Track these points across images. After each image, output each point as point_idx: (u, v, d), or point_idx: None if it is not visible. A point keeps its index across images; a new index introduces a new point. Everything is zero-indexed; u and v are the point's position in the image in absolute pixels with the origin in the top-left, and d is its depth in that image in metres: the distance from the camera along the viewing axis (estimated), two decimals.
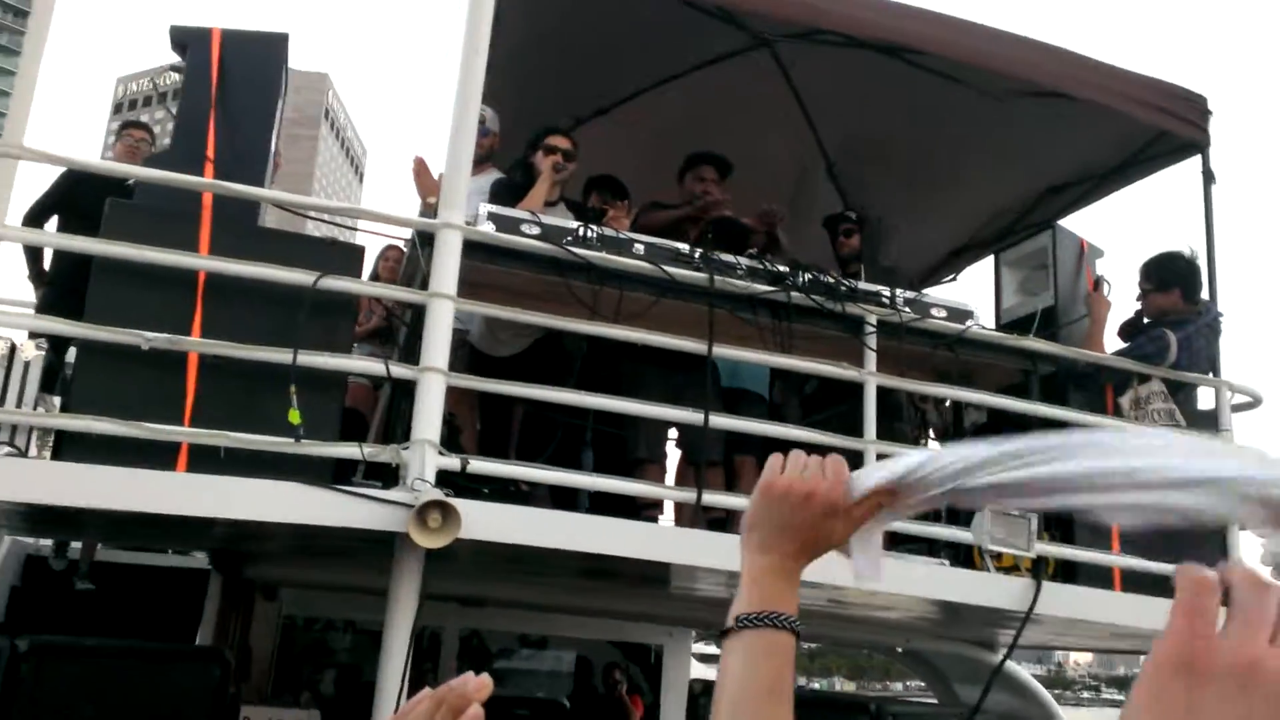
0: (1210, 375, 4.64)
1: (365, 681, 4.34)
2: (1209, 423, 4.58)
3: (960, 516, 4.45)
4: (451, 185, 3.61)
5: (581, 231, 3.85)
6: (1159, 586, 4.07)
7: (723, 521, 4.28)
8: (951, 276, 6.56)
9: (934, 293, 4.55)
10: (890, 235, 5.10)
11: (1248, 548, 4.42)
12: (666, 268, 3.85)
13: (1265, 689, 0.57)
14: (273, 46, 3.91)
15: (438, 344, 3.41)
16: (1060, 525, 4.28)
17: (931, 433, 5.42)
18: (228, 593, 4.59)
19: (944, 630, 5.03)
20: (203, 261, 3.42)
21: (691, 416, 3.82)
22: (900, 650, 5.84)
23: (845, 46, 4.73)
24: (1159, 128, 4.82)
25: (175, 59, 3.88)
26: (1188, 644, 0.59)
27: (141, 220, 3.45)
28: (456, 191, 3.60)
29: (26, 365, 3.28)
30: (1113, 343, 4.85)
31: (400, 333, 4.64)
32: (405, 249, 5.08)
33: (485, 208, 3.82)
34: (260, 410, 3.30)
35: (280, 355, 3.30)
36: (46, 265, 5.28)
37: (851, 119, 5.79)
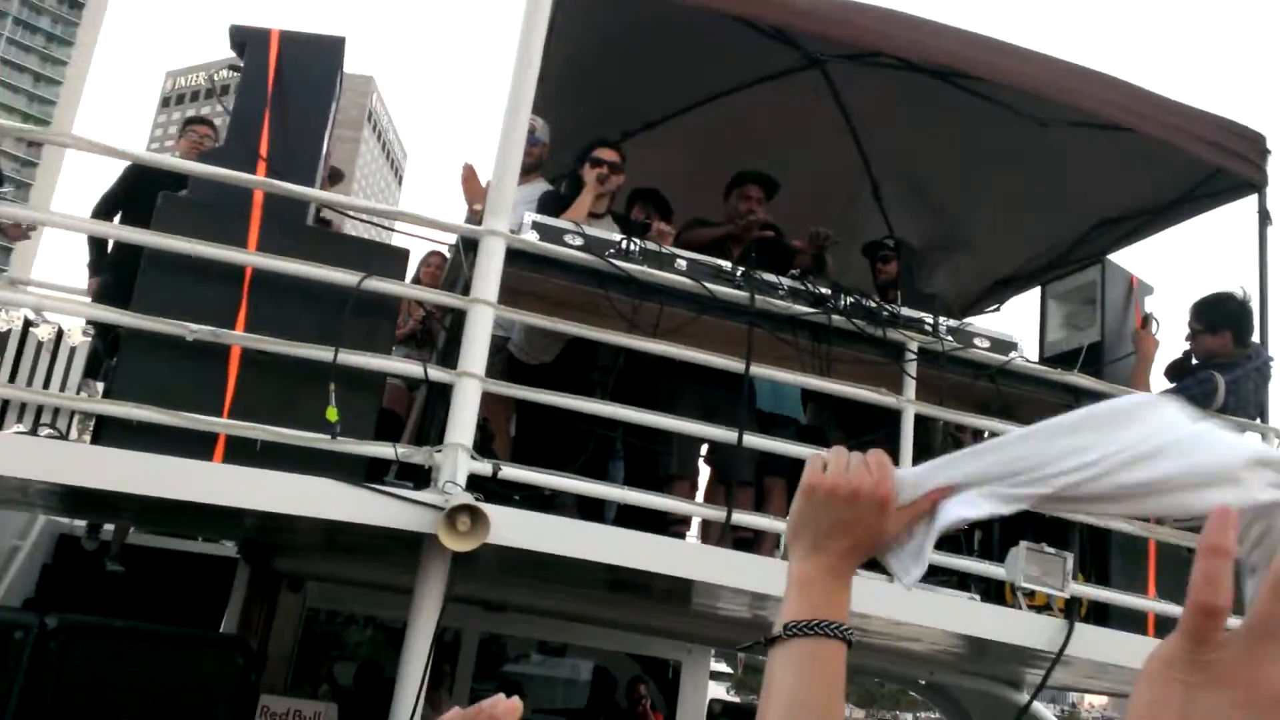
0: (1258, 421, 4.54)
1: (385, 678, 4.36)
2: None
3: (993, 551, 4.39)
4: (498, 193, 3.63)
5: (624, 245, 3.86)
6: None
7: (749, 542, 4.25)
8: (995, 307, 6.48)
9: (977, 322, 4.48)
10: (935, 264, 5.05)
11: None
12: (707, 284, 3.84)
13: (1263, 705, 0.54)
14: (329, 49, 3.96)
15: (476, 349, 3.43)
16: (1096, 566, 4.20)
17: None
18: (255, 583, 4.64)
19: (970, 665, 4.95)
20: (250, 257, 3.46)
21: (725, 434, 3.80)
22: (923, 682, 5.76)
23: (899, 70, 4.70)
24: (1216, 165, 4.73)
25: (231, 56, 3.94)
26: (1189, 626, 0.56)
27: (192, 214, 3.51)
28: (503, 199, 3.62)
29: (73, 350, 3.34)
30: (1158, 383, 4.76)
31: (439, 336, 4.67)
32: (448, 255, 5.11)
33: (530, 216, 3.84)
34: (298, 406, 3.34)
35: (321, 353, 3.33)
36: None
37: (900, 143, 5.74)
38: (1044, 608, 4.00)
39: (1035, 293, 5.56)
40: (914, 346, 4.06)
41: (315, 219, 4.64)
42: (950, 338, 4.15)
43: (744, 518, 3.87)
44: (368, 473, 3.37)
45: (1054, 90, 4.46)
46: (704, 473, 4.85)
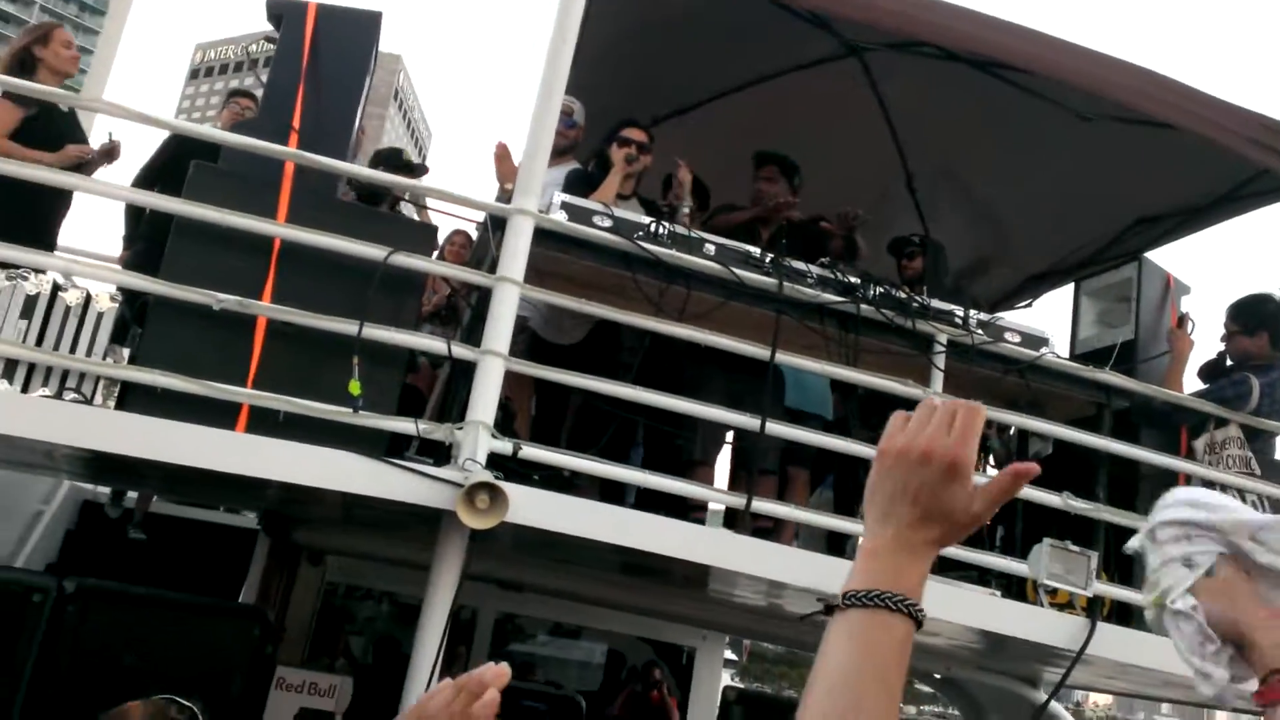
0: None
1: (400, 653, 4.38)
2: None
3: (1015, 547, 4.33)
4: (528, 172, 3.61)
5: (654, 228, 3.82)
6: None
7: (769, 531, 4.22)
8: (1028, 302, 6.38)
9: (1008, 317, 4.41)
10: (967, 259, 4.97)
11: None
12: (736, 270, 3.79)
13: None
14: (365, 23, 3.95)
15: (500, 328, 3.41)
16: (1120, 565, 4.14)
17: (992, 459, 5.29)
18: (274, 554, 4.66)
19: (987, 662, 4.90)
20: (279, 229, 3.46)
21: (748, 421, 3.77)
22: (938, 677, 5.71)
23: (939, 59, 4.62)
24: (1263, 165, 4.61)
25: (265, 29, 3.93)
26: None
27: (223, 184, 3.51)
28: (533, 178, 3.59)
29: (100, 316, 3.36)
30: (1192, 383, 4.68)
31: (464, 314, 4.66)
32: (474, 233, 5.09)
33: (559, 197, 3.81)
34: (322, 379, 3.34)
35: (346, 326, 3.33)
36: None
37: (937, 135, 5.65)
38: (1066, 605, 3.95)
39: (1067, 289, 5.47)
40: (943, 339, 4.01)
41: (389, 206, 4.64)
42: (980, 331, 4.09)
43: (764, 505, 3.84)
44: (388, 448, 3.36)
45: (1097, 84, 4.36)
46: (727, 460, 4.82)
